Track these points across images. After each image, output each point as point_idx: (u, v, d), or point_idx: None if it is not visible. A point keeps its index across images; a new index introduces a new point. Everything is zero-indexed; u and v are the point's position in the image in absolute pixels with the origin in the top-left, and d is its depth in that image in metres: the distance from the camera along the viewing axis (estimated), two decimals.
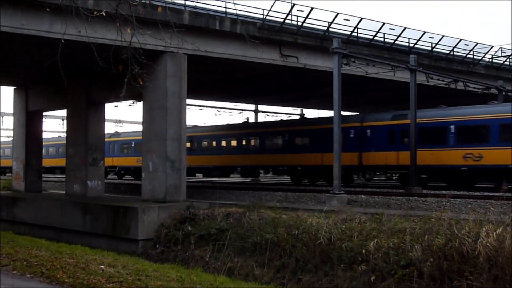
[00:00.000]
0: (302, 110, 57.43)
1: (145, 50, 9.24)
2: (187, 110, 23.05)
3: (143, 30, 8.40)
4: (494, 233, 10.77)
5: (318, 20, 26.82)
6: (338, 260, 13.13)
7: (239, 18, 24.01)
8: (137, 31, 8.11)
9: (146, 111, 22.57)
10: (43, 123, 33.70)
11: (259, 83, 33.67)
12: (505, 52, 36.38)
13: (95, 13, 8.38)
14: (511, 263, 10.37)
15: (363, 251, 12.56)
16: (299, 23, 25.84)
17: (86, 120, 25.97)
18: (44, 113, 34.78)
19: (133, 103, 35.51)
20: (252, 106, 55.61)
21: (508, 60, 36.48)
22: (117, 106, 52.16)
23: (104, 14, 8.20)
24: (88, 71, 24.61)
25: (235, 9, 23.98)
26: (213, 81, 32.27)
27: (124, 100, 23.65)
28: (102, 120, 27.15)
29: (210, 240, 16.75)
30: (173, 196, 21.27)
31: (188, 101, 27.57)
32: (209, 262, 16.04)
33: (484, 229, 11.10)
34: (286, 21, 25.51)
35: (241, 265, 15.23)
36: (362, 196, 23.14)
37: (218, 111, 54.61)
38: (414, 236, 12.08)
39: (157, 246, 18.37)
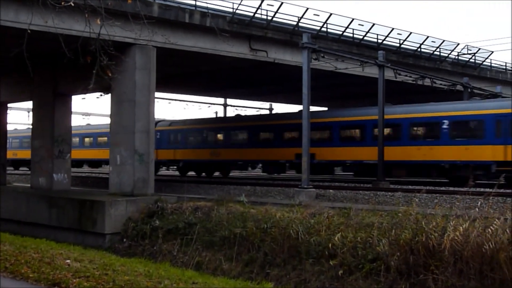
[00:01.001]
0: (271, 104, 57.54)
1: (114, 42, 9.07)
2: (155, 103, 22.87)
3: (113, 22, 8.25)
4: (461, 227, 10.94)
5: (288, 14, 26.89)
6: (306, 254, 13.19)
7: (209, 11, 23.88)
8: (106, 22, 7.96)
9: (114, 104, 22.28)
10: (8, 115, 33.02)
11: (228, 76, 33.60)
12: (470, 50, 37.02)
13: (62, 3, 8.19)
14: (476, 257, 10.55)
15: (331, 245, 12.64)
16: (269, 17, 25.83)
17: (52, 112, 25.48)
18: (9, 105, 34.03)
19: (101, 95, 35.05)
20: (221, 100, 55.48)
21: (473, 57, 37.15)
22: (84, 98, 51.19)
23: (73, 5, 8.02)
24: (54, 62, 24.18)
25: (205, 2, 23.88)
26: (182, 74, 32.08)
27: (92, 92, 23.24)
28: (69, 112, 26.68)
29: (178, 234, 16.66)
30: (141, 190, 21.08)
31: (157, 94, 27.30)
32: (177, 256, 15.95)
33: (450, 223, 11.27)
34: (256, 15, 25.46)
35: (209, 259, 15.19)
36: (330, 190, 23.32)
37: (187, 104, 54.29)
38: (381, 230, 12.20)
39: (124, 240, 18.18)
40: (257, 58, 26.48)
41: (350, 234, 12.62)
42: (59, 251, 12.08)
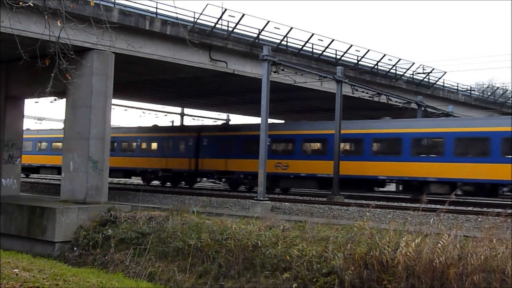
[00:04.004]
0: (228, 115, 57.48)
1: (72, 46, 8.87)
2: (112, 109, 22.52)
3: (75, 25, 8.07)
4: (413, 243, 11.09)
5: (249, 26, 27.03)
6: (261, 267, 13.14)
7: (170, 19, 23.74)
8: (67, 25, 7.78)
9: (69, 109, 21.81)
10: None
11: (187, 86, 33.41)
12: (425, 69, 37.94)
13: (21, 3, 7.96)
14: (428, 272, 10.72)
15: (287, 258, 12.63)
16: (230, 29, 25.87)
17: (3, 116, 24.76)
18: None
19: (55, 99, 34.21)
20: (178, 109, 55.06)
21: (427, 77, 38.08)
22: (37, 102, 49.95)
23: (32, 5, 7.80)
24: (6, 64, 23.51)
25: (167, 11, 23.74)
26: (140, 82, 31.73)
27: (48, 96, 22.70)
28: (21, 116, 25.97)
29: (131, 244, 16.34)
30: (94, 198, 20.64)
31: (114, 100, 26.91)
32: (129, 267, 15.64)
33: (403, 239, 11.42)
34: (217, 25, 25.46)
35: (162, 270, 14.96)
36: (286, 203, 23.37)
37: (143, 112, 53.58)
38: (336, 244, 12.26)
39: (75, 249, 17.73)
40: (216, 68, 26.44)
41: (306, 247, 12.65)
42: (6, 260, 11.68)
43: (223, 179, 36.76)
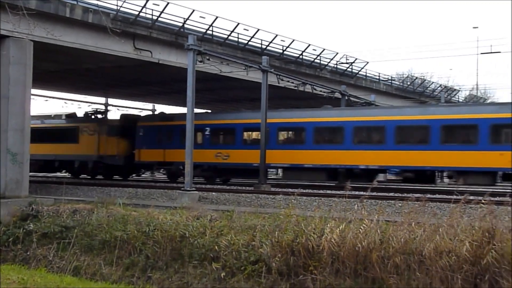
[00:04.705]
0: (154, 105, 56.68)
1: None
2: (32, 100, 21.72)
3: None
4: (338, 229, 11.40)
5: (174, 15, 26.70)
6: (189, 257, 13.13)
7: (92, 7, 23.11)
8: None
9: None
10: None
11: (111, 75, 32.70)
12: (348, 59, 38.87)
13: None
14: (351, 257, 11.05)
15: (215, 248, 12.67)
16: (155, 17, 25.48)
17: None
18: None
19: None
20: (103, 99, 53.73)
21: (350, 67, 39.05)
22: None
23: None
24: None
25: None
26: (62, 71, 30.74)
27: None
28: None
29: (55, 238, 15.88)
30: (14, 192, 19.86)
31: (34, 91, 25.94)
32: (53, 262, 15.20)
33: (328, 225, 11.70)
34: (142, 14, 25.02)
35: (88, 264, 14.64)
36: (213, 193, 23.39)
37: (65, 102, 51.92)
38: (264, 232, 12.42)
39: None
40: (141, 58, 26.00)
41: (234, 236, 12.73)
42: None
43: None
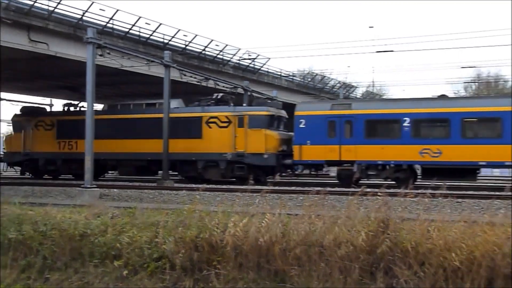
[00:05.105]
0: (51, 100, 54.50)
1: None
2: None
3: None
4: (240, 223, 11.51)
5: (72, 7, 25.84)
6: (90, 256, 12.74)
7: None
8: None
9: None
10: None
11: (4, 68, 31.06)
12: (250, 55, 39.36)
13: None
14: (254, 250, 11.20)
15: (117, 245, 12.39)
16: (51, 8, 24.50)
17: None
18: None
19: None
20: None
21: (252, 63, 39.54)
22: None
23: None
24: None
25: None
26: None
27: None
28: None
29: None
30: None
31: None
32: None
33: (231, 220, 11.79)
34: (37, 4, 23.98)
35: None
36: (115, 190, 22.90)
37: None
38: (167, 229, 12.30)
39: None
40: (37, 50, 24.97)
41: (136, 233, 12.52)
42: None
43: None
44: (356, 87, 59.83)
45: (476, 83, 65.95)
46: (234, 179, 29.27)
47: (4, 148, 35.31)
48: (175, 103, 30.53)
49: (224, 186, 23.82)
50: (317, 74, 54.60)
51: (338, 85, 52.67)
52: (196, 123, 29.83)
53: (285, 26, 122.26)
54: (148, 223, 13.17)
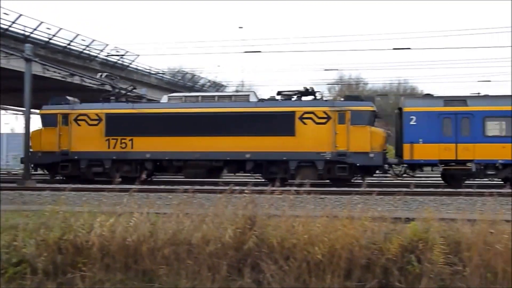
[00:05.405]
0: None
1: None
2: None
3: None
4: (107, 223, 11.26)
5: None
6: None
7: None
8: None
9: None
10: None
11: None
12: (119, 52, 38.52)
13: None
14: (122, 251, 11.01)
15: None
16: None
17: None
18: None
19: None
20: None
21: (121, 59, 38.73)
22: None
23: None
24: None
25: None
26: None
27: None
28: None
29: None
30: None
31: None
32: None
33: (97, 220, 11.49)
34: None
35: None
36: None
37: None
38: (27, 231, 11.72)
39: None
40: None
41: None
42: None
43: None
44: (226, 86, 60.73)
45: (339, 85, 69.73)
46: (329, 181, 26.95)
47: (30, 147, 28.57)
48: (252, 97, 28.33)
49: (91, 186, 23.10)
50: (187, 73, 54.62)
51: (208, 83, 53.10)
52: (288, 118, 27.07)
53: (156, 24, 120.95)
54: (6, 226, 12.48)
